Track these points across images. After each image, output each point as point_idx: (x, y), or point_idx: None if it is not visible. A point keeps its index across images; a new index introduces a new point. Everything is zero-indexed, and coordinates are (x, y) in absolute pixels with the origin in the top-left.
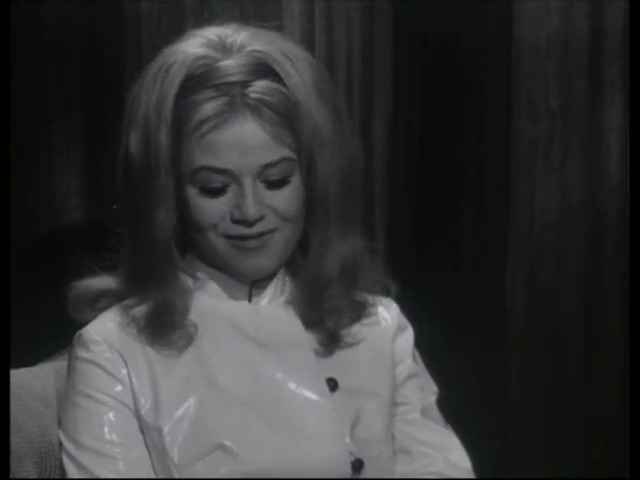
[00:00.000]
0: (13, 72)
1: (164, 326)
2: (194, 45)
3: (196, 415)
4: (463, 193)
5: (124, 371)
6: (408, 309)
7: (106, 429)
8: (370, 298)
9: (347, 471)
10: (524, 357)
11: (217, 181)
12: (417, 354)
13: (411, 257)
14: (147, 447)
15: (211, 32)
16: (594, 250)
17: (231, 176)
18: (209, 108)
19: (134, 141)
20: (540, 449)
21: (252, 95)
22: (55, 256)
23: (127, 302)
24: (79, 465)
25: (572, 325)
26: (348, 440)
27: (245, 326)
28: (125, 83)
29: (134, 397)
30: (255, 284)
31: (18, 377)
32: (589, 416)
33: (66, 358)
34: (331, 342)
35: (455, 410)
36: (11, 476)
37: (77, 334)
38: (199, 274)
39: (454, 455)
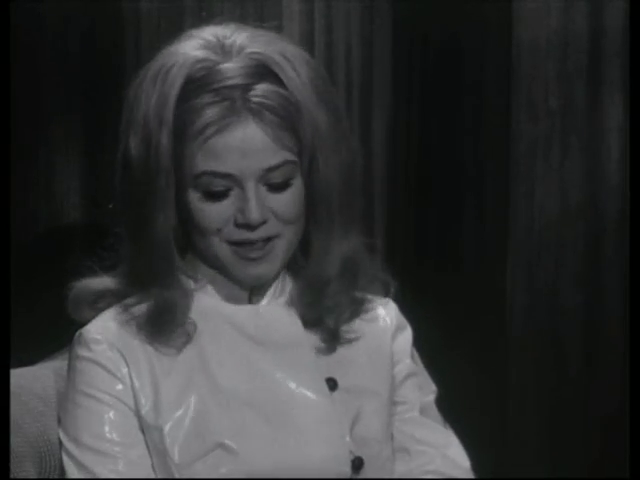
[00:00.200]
0: (13, 72)
1: (165, 324)
2: (193, 47)
3: (196, 414)
4: (463, 193)
5: (125, 370)
6: (407, 309)
7: (106, 428)
8: (369, 296)
9: (347, 470)
10: (524, 357)
11: (220, 185)
12: (416, 354)
13: (411, 257)
14: (147, 446)
15: (210, 33)
16: (594, 250)
17: (234, 180)
18: (211, 113)
19: (134, 143)
20: (540, 449)
21: (253, 99)
22: (55, 256)
23: (127, 301)
24: (79, 464)
25: (572, 325)
26: (348, 439)
27: (245, 326)
28: (124, 83)
29: (135, 396)
30: (255, 286)
31: (18, 377)
32: (589, 416)
33: (66, 358)
34: (332, 339)
35: (455, 410)
36: (11, 476)
37: (77, 333)
38: (199, 276)
39: (453, 454)
